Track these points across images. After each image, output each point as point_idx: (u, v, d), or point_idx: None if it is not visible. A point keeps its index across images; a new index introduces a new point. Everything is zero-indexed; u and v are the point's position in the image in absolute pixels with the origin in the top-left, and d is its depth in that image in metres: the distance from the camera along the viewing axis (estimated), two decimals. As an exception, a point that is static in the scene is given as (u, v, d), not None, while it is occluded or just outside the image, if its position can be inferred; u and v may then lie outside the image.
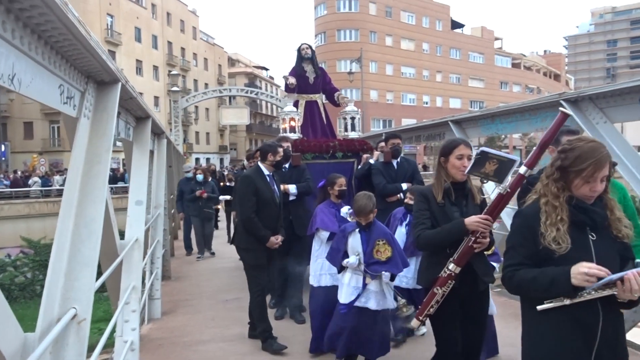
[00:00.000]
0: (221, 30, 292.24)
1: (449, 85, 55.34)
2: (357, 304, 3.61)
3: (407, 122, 46.06)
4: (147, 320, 5.40)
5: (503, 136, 43.19)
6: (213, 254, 9.65)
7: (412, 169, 5.64)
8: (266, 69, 72.54)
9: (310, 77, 7.08)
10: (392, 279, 3.70)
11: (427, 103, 53.55)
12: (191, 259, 9.47)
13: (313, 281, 4.39)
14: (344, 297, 3.70)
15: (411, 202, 3.93)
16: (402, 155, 5.81)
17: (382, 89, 49.53)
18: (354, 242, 3.66)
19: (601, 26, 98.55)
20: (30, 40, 1.80)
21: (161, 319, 5.61)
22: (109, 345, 4.40)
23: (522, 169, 2.46)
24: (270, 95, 23.47)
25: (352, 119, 7.04)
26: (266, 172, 4.59)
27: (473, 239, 2.63)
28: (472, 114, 6.50)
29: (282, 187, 4.91)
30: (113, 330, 3.42)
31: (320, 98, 7.28)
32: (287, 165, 5.31)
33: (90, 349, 2.26)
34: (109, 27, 39.14)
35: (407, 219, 4.42)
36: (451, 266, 2.67)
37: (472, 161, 2.67)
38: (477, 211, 2.79)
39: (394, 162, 5.58)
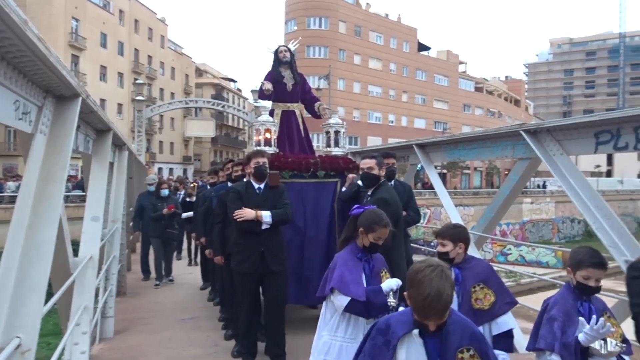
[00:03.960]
0: (190, 40, 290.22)
1: (415, 105, 56.41)
2: None
3: (373, 140, 46.73)
4: (98, 340, 5.19)
5: (465, 158, 44.12)
6: (171, 280, 8.41)
7: (407, 194, 4.90)
8: (234, 81, 72.27)
9: (288, 84, 6.30)
10: None
11: (392, 122, 54.37)
12: (148, 282, 8.48)
13: None
14: None
15: (444, 249, 2.93)
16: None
17: (349, 107, 50.01)
18: (413, 356, 1.97)
19: (559, 56, 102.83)
20: (-16, 56, 1.72)
21: (114, 338, 5.40)
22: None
23: None
24: (237, 109, 23.31)
25: (336, 132, 6.20)
26: None
27: None
28: (436, 139, 6.60)
29: (255, 213, 4.22)
30: (61, 354, 3.27)
31: (299, 108, 6.48)
32: (262, 186, 4.46)
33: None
34: (74, 31, 38.25)
35: (454, 275, 2.70)
36: None
37: None
38: None
39: None
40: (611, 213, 4.22)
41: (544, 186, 42.04)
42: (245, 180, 4.66)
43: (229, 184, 5.52)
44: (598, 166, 59.19)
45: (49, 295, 2.69)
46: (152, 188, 8.45)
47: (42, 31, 2.28)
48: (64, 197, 2.72)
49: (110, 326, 5.48)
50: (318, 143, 6.55)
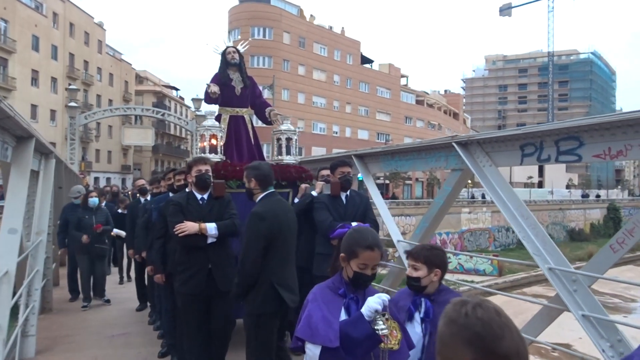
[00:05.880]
0: (130, 46, 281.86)
1: (358, 117, 57.34)
2: None
3: (317, 150, 47.10)
4: (17, 361, 4.85)
5: (406, 168, 45.30)
6: (108, 301, 7.62)
7: (364, 205, 4.62)
8: (176, 89, 70.80)
9: (236, 87, 5.84)
10: None
11: (336, 133, 54.96)
12: (76, 303, 7.62)
13: None
14: None
15: (415, 273, 2.42)
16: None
17: (293, 117, 49.84)
18: None
19: (494, 72, 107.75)
20: None
21: (35, 358, 5.06)
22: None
23: None
24: (178, 117, 22.81)
25: (288, 140, 5.74)
26: None
27: None
28: (374, 150, 6.70)
29: (198, 226, 3.82)
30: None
31: (248, 113, 6.00)
32: (205, 196, 4.05)
33: None
34: (2, 32, 36.29)
35: (424, 308, 2.42)
36: None
37: None
38: None
39: (343, 196, 4.54)
40: (536, 222, 4.41)
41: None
42: (187, 190, 4.23)
43: (171, 195, 5.04)
44: (530, 177, 62.43)
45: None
46: (78, 201, 7.66)
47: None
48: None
49: (32, 345, 5.13)
50: (267, 153, 6.04)
